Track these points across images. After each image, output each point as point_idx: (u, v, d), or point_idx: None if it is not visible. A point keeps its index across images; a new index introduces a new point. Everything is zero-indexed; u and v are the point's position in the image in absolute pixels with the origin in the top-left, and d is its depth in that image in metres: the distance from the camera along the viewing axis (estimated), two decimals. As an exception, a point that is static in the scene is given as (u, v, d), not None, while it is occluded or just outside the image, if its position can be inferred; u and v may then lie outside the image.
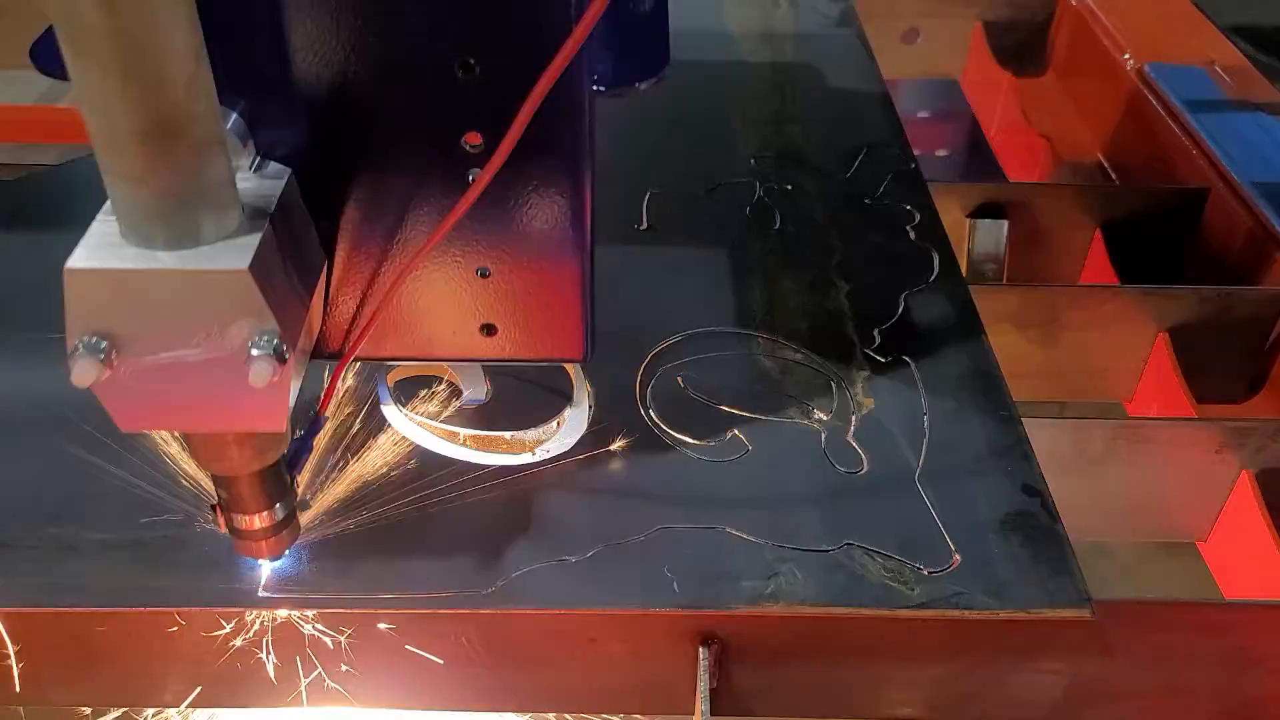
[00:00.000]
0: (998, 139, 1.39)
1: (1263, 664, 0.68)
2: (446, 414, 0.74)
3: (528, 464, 0.72)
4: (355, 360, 0.59)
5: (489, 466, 0.71)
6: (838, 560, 0.65)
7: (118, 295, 0.45)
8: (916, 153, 1.06)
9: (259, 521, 0.57)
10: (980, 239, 0.99)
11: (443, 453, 0.72)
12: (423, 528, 0.67)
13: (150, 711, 0.69)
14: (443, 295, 0.57)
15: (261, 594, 0.63)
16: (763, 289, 0.86)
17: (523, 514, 0.68)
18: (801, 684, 0.67)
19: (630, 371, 0.78)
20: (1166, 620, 0.66)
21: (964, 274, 0.89)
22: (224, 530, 0.58)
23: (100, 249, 0.45)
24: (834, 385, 0.78)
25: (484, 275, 0.56)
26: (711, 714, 0.63)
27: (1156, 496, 0.80)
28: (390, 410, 0.74)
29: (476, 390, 0.73)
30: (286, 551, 0.61)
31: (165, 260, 0.44)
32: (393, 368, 0.77)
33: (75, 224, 0.91)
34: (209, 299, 0.45)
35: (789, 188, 0.98)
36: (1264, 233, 0.93)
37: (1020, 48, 1.37)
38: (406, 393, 0.76)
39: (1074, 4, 1.32)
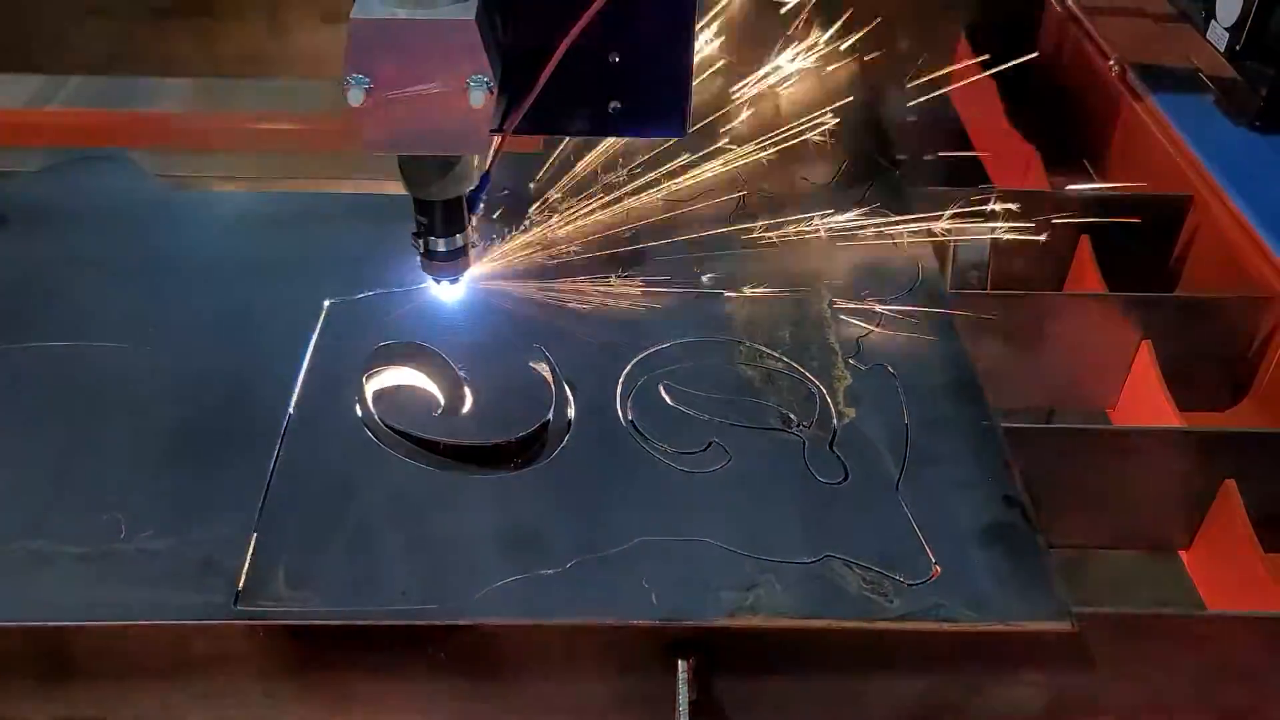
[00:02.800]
0: (983, 144, 1.38)
1: (1244, 675, 0.67)
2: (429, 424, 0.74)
3: (506, 474, 0.71)
4: (515, 132, 0.72)
5: (468, 476, 0.71)
6: (817, 572, 0.65)
7: (379, 39, 0.63)
8: (902, 157, 1.06)
9: (445, 245, 0.75)
10: (964, 246, 0.99)
11: (422, 462, 0.71)
12: (399, 539, 0.66)
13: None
14: (583, 78, 0.70)
15: (235, 607, 0.62)
16: (745, 297, 0.86)
17: (501, 525, 0.68)
18: (782, 695, 0.67)
19: (611, 380, 0.78)
20: (1147, 632, 0.65)
21: (948, 281, 0.89)
22: (421, 253, 0.76)
23: (369, 8, 0.63)
24: (816, 394, 0.77)
25: (614, 62, 0.70)
26: (691, 726, 0.63)
27: (1139, 506, 0.80)
28: (372, 420, 0.74)
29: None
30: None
31: (416, 13, 0.63)
32: (372, 376, 0.76)
33: (58, 228, 0.90)
34: (443, 42, 0.63)
35: (773, 195, 0.98)
36: (1247, 240, 0.93)
37: (1006, 54, 1.37)
38: (391, 404, 0.75)
39: (1059, 9, 1.32)
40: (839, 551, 0.66)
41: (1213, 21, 1.10)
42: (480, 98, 0.64)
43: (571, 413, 0.75)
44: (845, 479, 0.71)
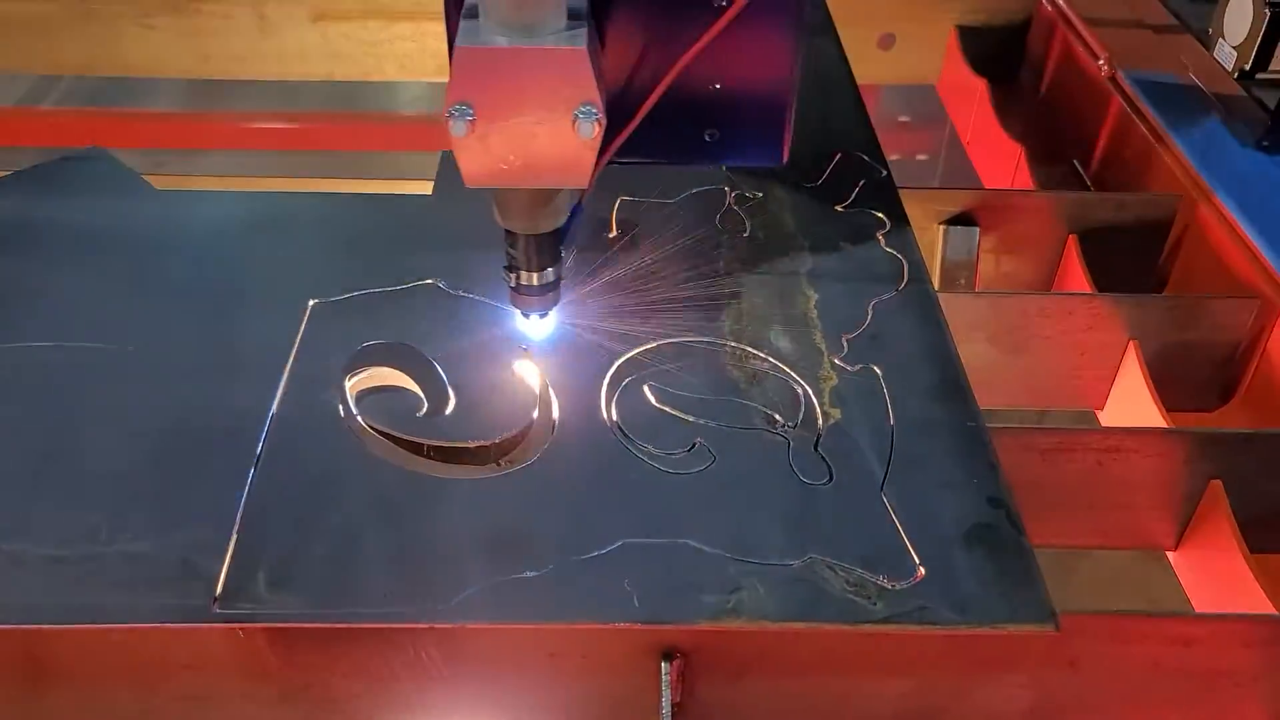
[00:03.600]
0: (973, 144, 1.38)
1: (1231, 677, 0.67)
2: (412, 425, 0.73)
3: (491, 475, 0.71)
4: (610, 162, 0.70)
5: (452, 478, 0.70)
6: (800, 574, 0.64)
7: (486, 68, 0.61)
8: (893, 158, 1.06)
9: (538, 279, 0.74)
10: (952, 246, 0.99)
11: (406, 464, 0.71)
12: (381, 540, 0.66)
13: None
14: (679, 106, 0.69)
15: (215, 610, 0.62)
16: (731, 297, 0.85)
17: (484, 526, 0.67)
18: (766, 699, 0.67)
19: (596, 381, 0.78)
20: (1133, 634, 0.65)
21: (935, 282, 0.88)
22: (512, 285, 0.74)
23: (474, 37, 0.61)
24: (801, 395, 0.77)
25: (715, 89, 0.69)
26: (674, 730, 0.63)
27: (1126, 506, 0.80)
28: (355, 421, 0.73)
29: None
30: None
31: (525, 41, 0.60)
32: (355, 377, 0.76)
33: (39, 228, 0.90)
34: (553, 72, 0.60)
35: (759, 195, 0.98)
36: (1237, 241, 0.93)
37: (996, 53, 1.37)
38: (374, 405, 0.75)
39: (1050, 10, 1.32)
40: (823, 553, 0.66)
41: (1220, 40, 1.10)
42: (590, 129, 0.62)
43: (556, 414, 0.75)
44: (830, 480, 0.71)
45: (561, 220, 0.72)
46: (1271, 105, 1.07)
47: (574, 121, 0.61)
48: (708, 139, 0.71)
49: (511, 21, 0.60)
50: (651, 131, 0.68)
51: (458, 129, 0.61)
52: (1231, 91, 1.12)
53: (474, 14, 0.62)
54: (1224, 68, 1.10)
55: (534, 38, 0.61)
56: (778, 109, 0.70)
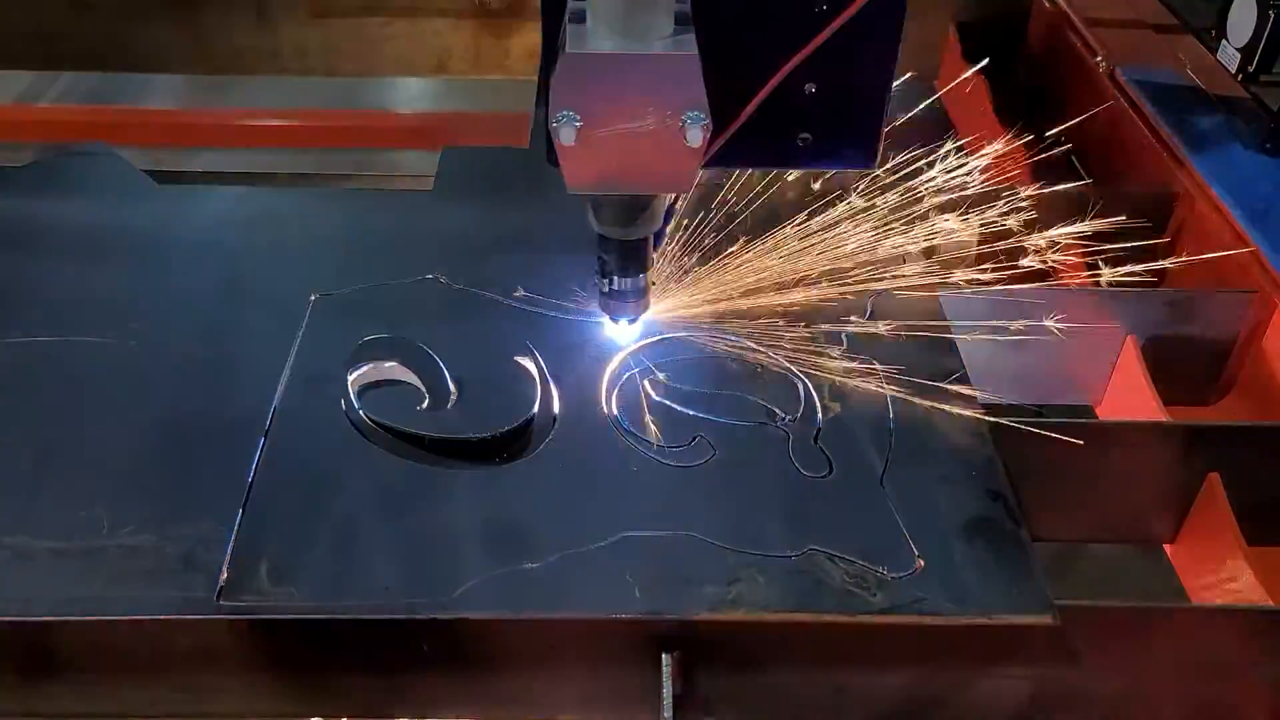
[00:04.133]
0: (971, 141, 1.38)
1: (1227, 668, 0.68)
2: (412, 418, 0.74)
3: (491, 468, 0.71)
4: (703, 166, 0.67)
5: (453, 471, 0.71)
6: (800, 566, 0.65)
7: (594, 74, 0.60)
8: (891, 153, 1.06)
9: (630, 285, 0.74)
10: (951, 241, 0.99)
11: (406, 457, 0.71)
12: (383, 533, 0.66)
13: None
14: (773, 110, 0.67)
15: (217, 603, 0.62)
16: (730, 290, 0.86)
17: (485, 519, 0.67)
18: (766, 689, 0.67)
19: (596, 374, 0.78)
20: (1131, 625, 0.65)
21: (934, 275, 0.88)
22: (604, 291, 0.74)
23: (582, 42, 0.60)
24: (801, 388, 0.77)
25: (810, 93, 0.67)
26: (675, 720, 0.63)
27: (1124, 499, 0.80)
28: (356, 414, 0.73)
29: None
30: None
31: (635, 47, 0.60)
32: (357, 371, 0.76)
33: (42, 223, 0.89)
34: (662, 78, 0.60)
35: (760, 189, 0.98)
36: (1233, 236, 0.93)
37: (995, 50, 1.37)
38: (376, 398, 0.75)
39: (1048, 6, 1.32)
40: (823, 545, 0.66)
41: (1224, 41, 1.09)
42: (697, 135, 0.61)
43: (557, 407, 0.75)
44: (830, 473, 0.71)
45: (656, 226, 0.72)
46: (1274, 107, 1.07)
47: (682, 127, 0.61)
48: (800, 143, 0.70)
49: (622, 27, 0.60)
50: (744, 137, 0.67)
51: (566, 135, 0.61)
52: (1231, 91, 1.12)
53: (580, 18, 0.61)
54: (1227, 69, 1.10)
55: (643, 43, 0.60)
56: (874, 112, 0.69)
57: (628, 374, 0.78)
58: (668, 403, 0.76)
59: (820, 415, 0.75)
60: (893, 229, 0.90)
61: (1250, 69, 1.06)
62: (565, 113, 0.61)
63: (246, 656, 0.64)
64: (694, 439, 0.73)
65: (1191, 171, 1.01)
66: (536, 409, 0.74)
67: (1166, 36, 1.23)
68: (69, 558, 0.64)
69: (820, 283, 0.86)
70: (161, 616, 0.62)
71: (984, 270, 0.89)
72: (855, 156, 0.71)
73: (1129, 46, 1.21)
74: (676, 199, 0.75)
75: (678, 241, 0.87)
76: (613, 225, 0.71)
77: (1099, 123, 1.16)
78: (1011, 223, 0.93)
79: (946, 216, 0.94)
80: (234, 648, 0.63)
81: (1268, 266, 0.89)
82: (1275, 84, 1.08)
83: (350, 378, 0.76)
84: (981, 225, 0.94)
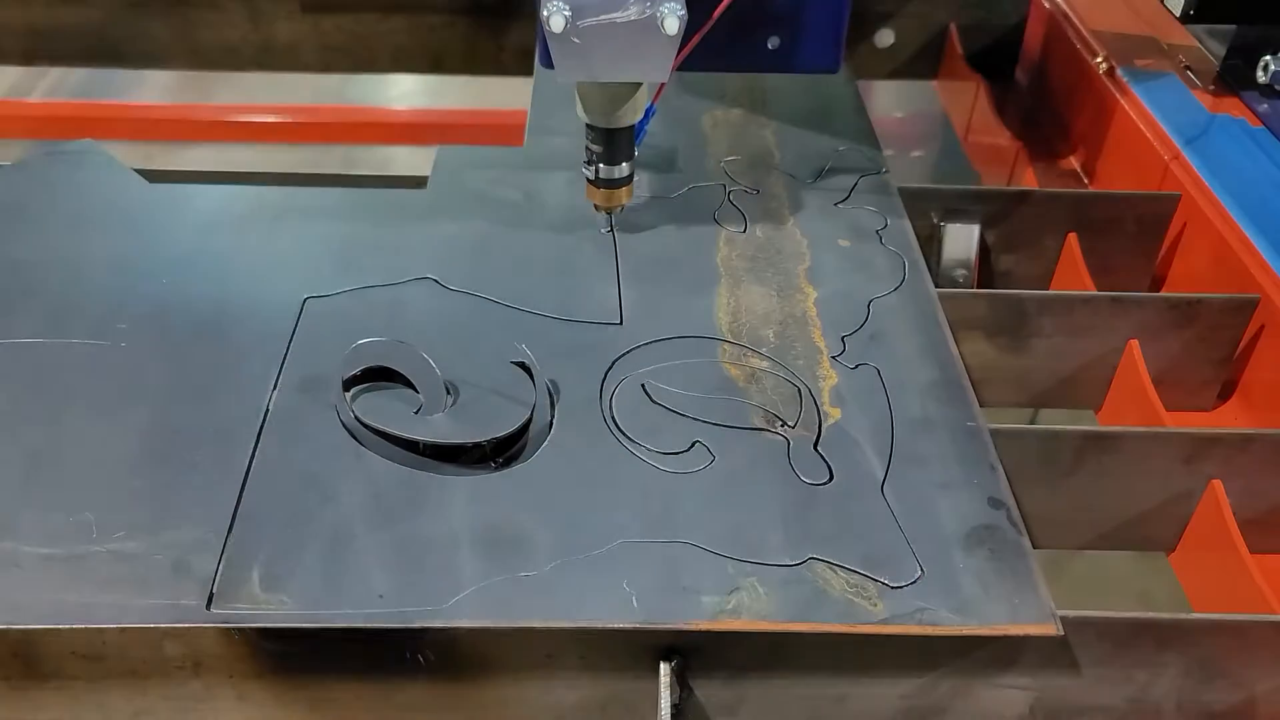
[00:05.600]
0: (971, 142, 1.38)
1: (1230, 678, 0.67)
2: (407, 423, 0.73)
3: (486, 474, 0.70)
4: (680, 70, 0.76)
5: (448, 477, 0.70)
6: (800, 575, 0.64)
7: None
8: (890, 153, 1.05)
9: (618, 172, 0.83)
10: (950, 244, 0.98)
11: (400, 462, 0.70)
12: (377, 540, 0.65)
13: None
14: (745, 14, 0.76)
15: (208, 610, 0.61)
16: (729, 294, 0.85)
17: (480, 526, 0.67)
18: (765, 698, 0.66)
19: (593, 379, 0.77)
20: (1133, 635, 0.65)
21: (933, 280, 0.88)
22: (590, 179, 0.84)
23: None
24: (800, 394, 0.76)
25: None
26: (673, 731, 0.62)
27: (1125, 507, 0.79)
28: (350, 419, 0.72)
29: None
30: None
31: None
32: (350, 374, 0.75)
33: (29, 222, 0.88)
34: None
35: (757, 191, 0.97)
36: (1235, 239, 0.92)
37: (994, 50, 1.37)
38: (369, 402, 0.74)
39: (1047, 7, 1.32)
40: (823, 554, 0.65)
41: None
42: (674, 25, 0.70)
43: (553, 412, 0.74)
44: (830, 480, 0.70)
45: (639, 116, 0.80)
46: (1218, 49, 1.08)
47: (660, 17, 0.69)
48: (770, 47, 0.79)
49: None
50: (718, 41, 0.76)
51: (555, 24, 0.69)
52: (1198, 53, 1.12)
53: None
54: (1171, 12, 1.09)
55: None
56: (836, 16, 0.78)
57: (625, 379, 0.77)
58: (666, 408, 0.75)
59: (820, 421, 0.74)
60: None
61: (1192, 11, 1.06)
62: (555, 3, 0.69)
63: (237, 665, 0.63)
64: (692, 445, 0.72)
65: (1194, 174, 1.00)
66: (533, 414, 0.73)
67: (1167, 37, 1.22)
68: (57, 564, 0.63)
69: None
70: (151, 625, 0.61)
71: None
72: (819, 61, 0.81)
73: (1129, 47, 1.20)
74: (655, 97, 0.83)
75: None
76: (599, 113, 0.79)
77: (1098, 124, 1.16)
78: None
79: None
80: (225, 656, 0.62)
81: (1270, 270, 0.89)
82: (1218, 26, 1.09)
83: (343, 381, 0.75)
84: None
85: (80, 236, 0.88)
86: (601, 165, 0.83)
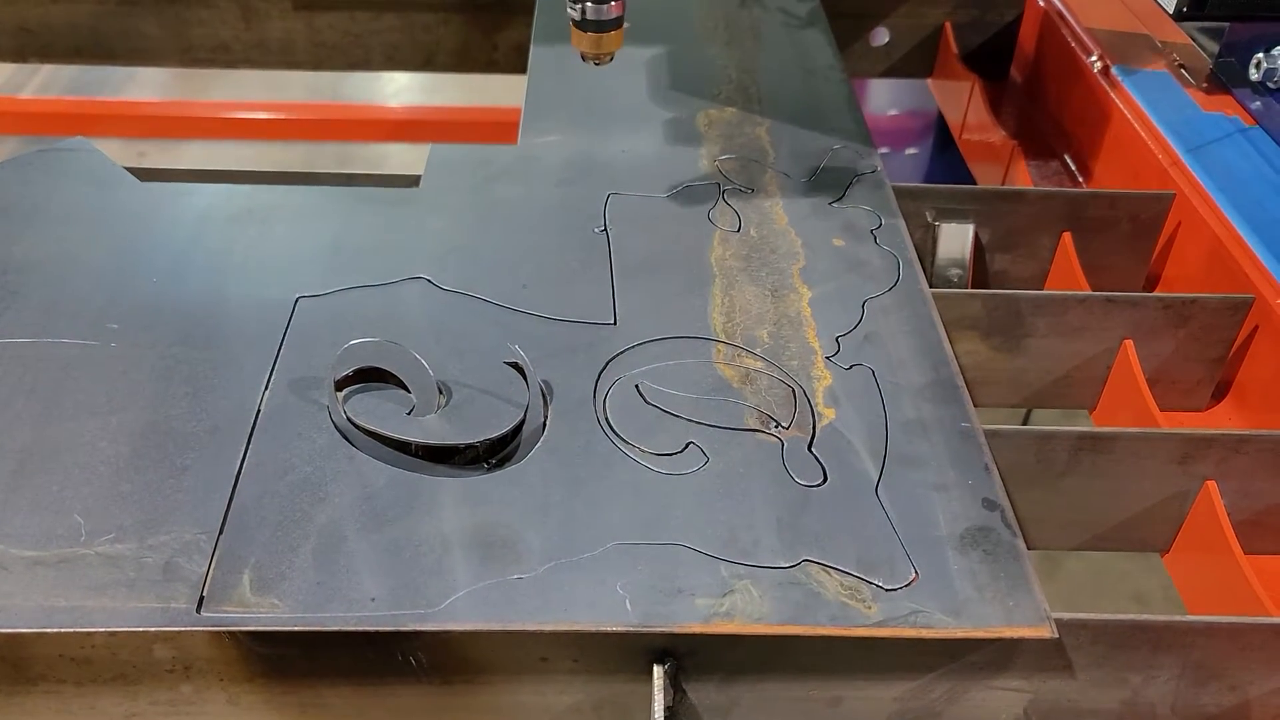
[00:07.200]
0: (966, 140, 1.38)
1: (1225, 680, 0.67)
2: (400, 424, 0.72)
3: (479, 476, 0.70)
4: None
5: (441, 478, 0.69)
6: (794, 577, 0.64)
7: None
8: (884, 151, 1.05)
9: (609, 12, 0.81)
10: (945, 243, 0.98)
11: (393, 464, 0.70)
12: (369, 542, 0.65)
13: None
14: None
15: (199, 614, 0.60)
16: (723, 294, 0.84)
17: (473, 528, 0.66)
18: (758, 701, 0.66)
19: (586, 379, 0.77)
20: (1128, 638, 0.65)
21: (928, 279, 0.88)
22: (578, 22, 0.82)
23: None
24: (795, 395, 0.76)
25: None
26: (667, 734, 0.62)
27: (1119, 508, 0.79)
28: (341, 420, 0.72)
29: None
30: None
31: None
32: (342, 375, 0.75)
33: (20, 220, 0.88)
34: None
35: (751, 190, 0.97)
36: (1229, 239, 0.92)
37: (988, 49, 1.36)
38: (361, 403, 0.74)
39: (1041, 5, 1.32)
40: (817, 556, 0.65)
41: None
42: None
43: (546, 413, 0.74)
44: (824, 481, 0.70)
45: None
46: (1211, 47, 1.08)
47: None
48: None
49: None
50: None
51: None
52: (1192, 51, 1.12)
53: None
54: (1165, 10, 1.09)
55: None
56: None
57: (619, 379, 0.77)
58: (660, 409, 0.75)
59: (814, 422, 0.74)
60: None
61: (1185, 10, 1.06)
62: None
63: (228, 669, 0.62)
64: (686, 446, 0.72)
65: (1188, 174, 1.00)
66: (526, 415, 0.73)
67: (1161, 35, 1.22)
68: (46, 566, 0.63)
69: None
70: (141, 628, 0.60)
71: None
72: None
73: (1123, 46, 1.20)
74: None
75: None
76: None
77: (1092, 122, 1.15)
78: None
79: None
80: (216, 660, 0.62)
81: (1265, 270, 0.89)
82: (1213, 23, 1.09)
83: (335, 382, 0.74)
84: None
85: (71, 235, 0.88)
86: (589, 3, 0.79)
